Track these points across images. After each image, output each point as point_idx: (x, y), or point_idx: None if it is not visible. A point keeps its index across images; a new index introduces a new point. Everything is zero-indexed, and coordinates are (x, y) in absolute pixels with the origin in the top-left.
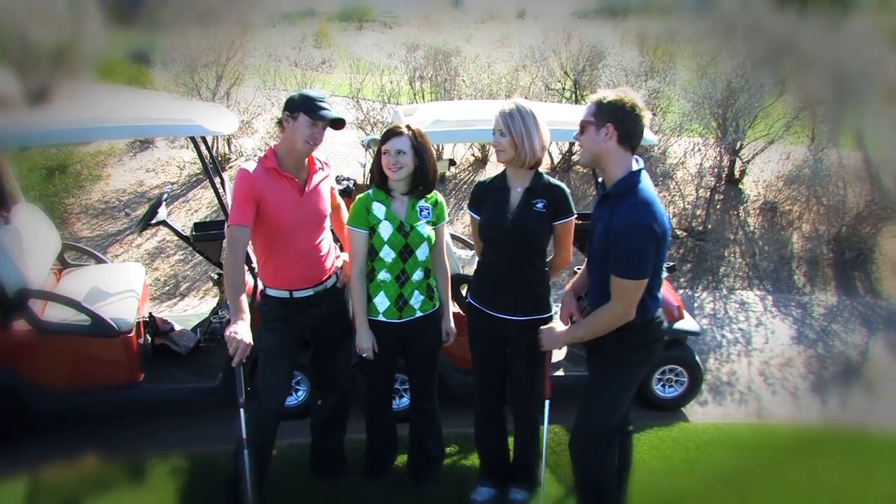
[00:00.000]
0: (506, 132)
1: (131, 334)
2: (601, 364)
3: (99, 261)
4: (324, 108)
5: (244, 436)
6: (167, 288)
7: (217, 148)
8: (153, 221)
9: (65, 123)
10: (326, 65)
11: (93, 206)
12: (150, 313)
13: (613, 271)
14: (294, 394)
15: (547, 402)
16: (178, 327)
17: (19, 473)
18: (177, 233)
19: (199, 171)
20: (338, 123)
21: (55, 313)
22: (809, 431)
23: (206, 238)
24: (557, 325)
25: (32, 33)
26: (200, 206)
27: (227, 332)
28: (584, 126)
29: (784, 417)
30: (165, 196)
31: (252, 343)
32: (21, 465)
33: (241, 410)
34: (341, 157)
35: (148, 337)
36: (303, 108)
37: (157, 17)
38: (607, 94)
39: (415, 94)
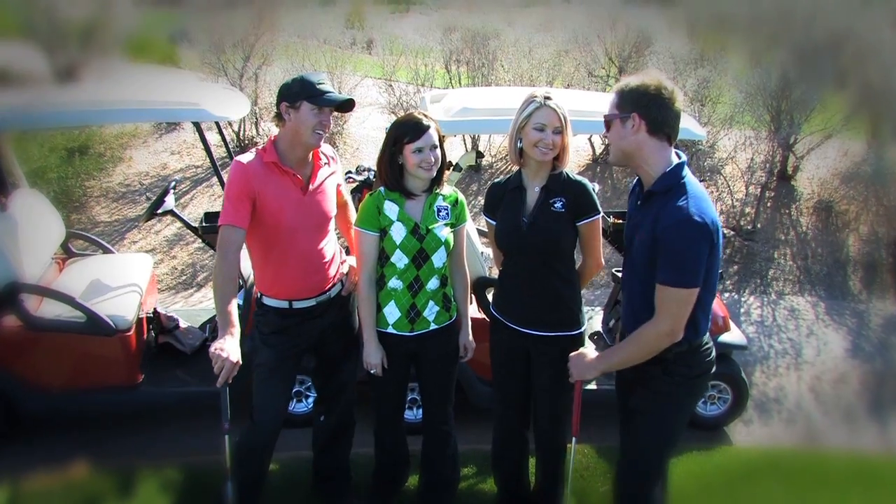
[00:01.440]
0: (562, 129)
1: (129, 333)
2: (648, 401)
3: (106, 250)
4: (328, 92)
5: (228, 465)
6: (184, 277)
7: (245, 130)
8: (160, 211)
9: (61, 105)
10: (357, 45)
11: (113, 189)
12: (154, 308)
13: (661, 279)
14: (304, 400)
15: (573, 440)
16: (183, 324)
17: (2, 480)
18: (185, 223)
19: (224, 155)
20: (346, 105)
21: (50, 308)
22: (867, 462)
23: (215, 230)
24: (589, 350)
25: (61, 11)
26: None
27: (211, 349)
28: (608, 122)
29: (837, 443)
30: (174, 184)
31: (240, 361)
32: (5, 471)
33: (226, 437)
34: (372, 142)
35: (152, 334)
36: (304, 94)
37: None
38: (630, 81)
39: (450, 79)
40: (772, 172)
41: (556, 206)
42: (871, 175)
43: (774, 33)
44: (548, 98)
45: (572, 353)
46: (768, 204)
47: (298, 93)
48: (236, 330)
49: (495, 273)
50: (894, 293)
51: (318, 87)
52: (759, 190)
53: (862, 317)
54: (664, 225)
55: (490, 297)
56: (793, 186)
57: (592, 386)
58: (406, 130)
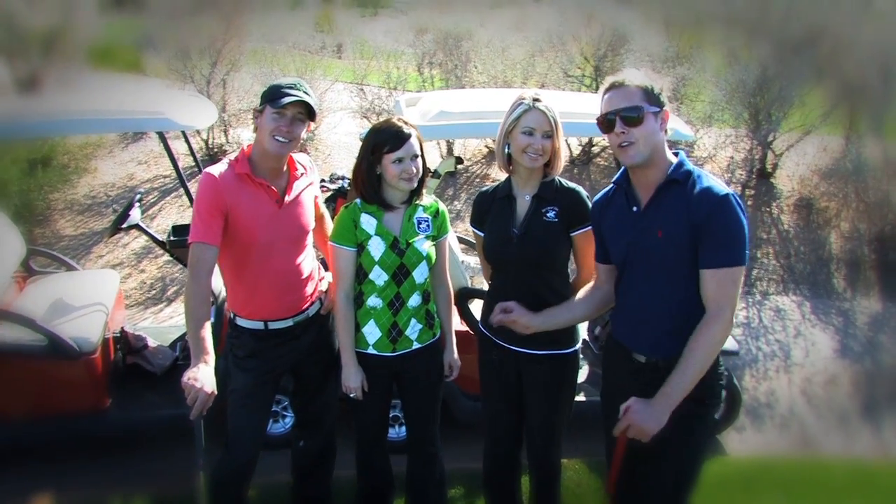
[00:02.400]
0: (552, 133)
1: (94, 355)
2: (680, 430)
3: (69, 268)
4: (288, 94)
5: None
6: (153, 292)
7: (213, 139)
8: (124, 225)
9: (18, 116)
10: (327, 49)
11: (78, 201)
12: (122, 328)
13: (716, 262)
14: (281, 420)
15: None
16: (152, 343)
17: None
18: (151, 237)
19: (192, 165)
20: (308, 109)
21: (9, 332)
22: (863, 467)
23: (183, 244)
24: (637, 399)
25: (22, 19)
26: None
27: (184, 378)
28: (641, 116)
29: (832, 448)
30: (139, 196)
31: (215, 392)
32: None
33: (201, 474)
34: (345, 148)
35: (119, 355)
36: (267, 99)
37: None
38: (644, 79)
39: (423, 82)
40: (752, 170)
41: (548, 215)
42: (851, 171)
43: (752, 30)
44: (537, 100)
45: (627, 410)
46: (749, 202)
47: (264, 97)
48: (210, 357)
49: (477, 283)
50: (878, 290)
51: (282, 90)
52: (739, 189)
53: (847, 315)
54: (707, 207)
55: (472, 307)
56: (773, 184)
57: (581, 398)
58: (385, 139)
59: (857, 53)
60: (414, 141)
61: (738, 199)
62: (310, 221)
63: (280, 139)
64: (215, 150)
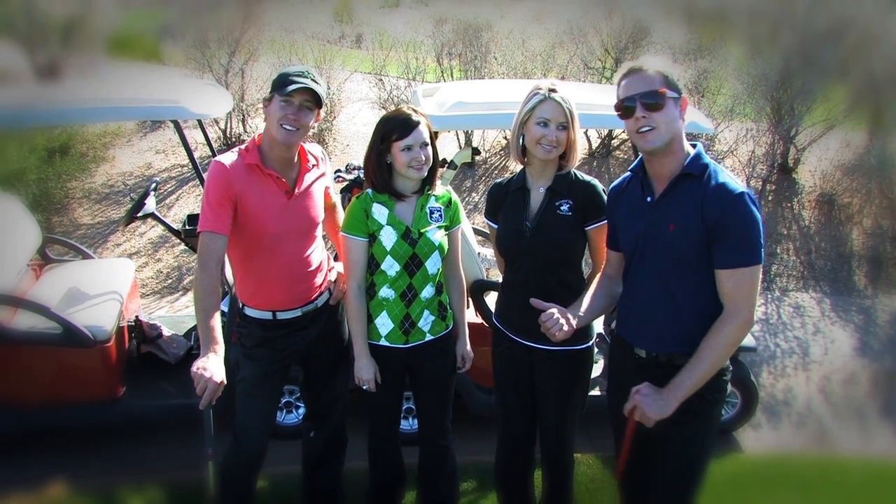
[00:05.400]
0: (568, 125)
1: (109, 343)
2: (684, 427)
3: (85, 256)
4: (295, 82)
5: (212, 492)
6: (169, 281)
7: (231, 128)
8: (139, 214)
9: (36, 104)
10: (346, 39)
11: (96, 190)
12: (136, 316)
13: (732, 263)
14: (294, 411)
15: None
16: (167, 332)
17: None
18: (166, 226)
19: (209, 155)
20: (315, 96)
21: (25, 320)
22: (883, 468)
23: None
24: (649, 386)
25: (42, 7)
26: None
27: (193, 368)
28: (662, 102)
29: (850, 447)
30: (154, 185)
31: (224, 381)
32: None
33: (210, 464)
34: (363, 139)
35: (134, 343)
36: (275, 87)
37: None
38: (664, 64)
39: (442, 73)
40: (773, 165)
41: (562, 209)
42: (875, 166)
43: (775, 22)
44: (553, 90)
45: (636, 394)
46: (770, 197)
47: (273, 85)
48: (220, 347)
49: (493, 275)
50: None
51: (291, 77)
52: (760, 183)
53: (868, 313)
54: (723, 204)
55: (487, 300)
56: (794, 179)
57: (596, 392)
58: (394, 127)
59: (882, 47)
60: (423, 128)
61: (752, 196)
62: (319, 213)
63: (287, 127)
64: (233, 139)
